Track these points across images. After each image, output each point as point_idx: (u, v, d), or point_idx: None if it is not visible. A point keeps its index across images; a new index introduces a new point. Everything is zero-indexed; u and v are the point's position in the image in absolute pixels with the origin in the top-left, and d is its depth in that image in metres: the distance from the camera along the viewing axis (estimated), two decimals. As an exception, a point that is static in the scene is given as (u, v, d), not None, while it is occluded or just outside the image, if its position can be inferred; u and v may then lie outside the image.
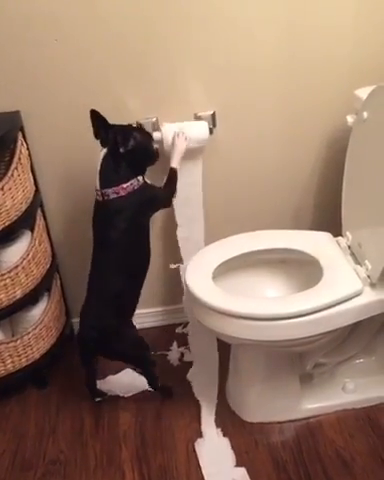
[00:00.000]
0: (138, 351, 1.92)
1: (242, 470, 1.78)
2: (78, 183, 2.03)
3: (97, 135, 1.77)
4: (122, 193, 1.74)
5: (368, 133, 1.74)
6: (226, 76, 1.92)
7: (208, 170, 2.06)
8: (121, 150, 1.72)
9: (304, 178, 2.16)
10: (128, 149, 1.72)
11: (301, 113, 2.02)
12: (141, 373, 2.00)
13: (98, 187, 1.75)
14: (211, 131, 1.97)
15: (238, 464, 1.79)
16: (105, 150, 1.75)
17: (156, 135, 1.92)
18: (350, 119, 1.87)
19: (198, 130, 1.94)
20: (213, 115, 1.97)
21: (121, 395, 2.04)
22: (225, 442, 1.87)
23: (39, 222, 2.00)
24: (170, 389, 2.03)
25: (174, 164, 1.88)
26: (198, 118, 1.96)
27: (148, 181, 1.82)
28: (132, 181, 1.75)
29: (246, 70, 1.92)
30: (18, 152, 1.83)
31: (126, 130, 1.75)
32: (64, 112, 1.91)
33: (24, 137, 1.89)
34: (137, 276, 1.86)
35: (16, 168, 1.81)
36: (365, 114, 1.72)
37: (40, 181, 2.00)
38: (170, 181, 1.87)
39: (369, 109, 1.71)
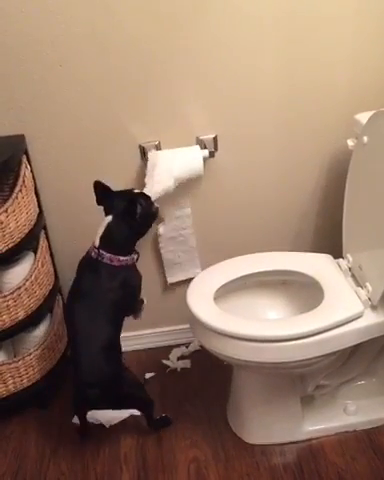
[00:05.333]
0: (138, 393, 1.90)
1: None
2: (81, 205, 2.05)
3: (99, 202, 1.78)
4: (115, 263, 1.74)
5: (368, 157, 1.75)
6: (228, 100, 1.94)
7: (209, 193, 2.09)
8: (137, 219, 1.73)
9: (305, 200, 2.17)
10: (137, 217, 1.74)
11: (302, 137, 2.04)
12: (144, 414, 1.97)
13: (96, 245, 1.75)
14: (212, 155, 1.99)
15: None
16: (110, 218, 1.74)
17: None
18: (350, 143, 1.88)
19: (191, 157, 1.94)
20: (215, 139, 1.98)
21: (106, 426, 2.03)
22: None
23: (42, 243, 2.01)
24: (168, 418, 2.02)
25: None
26: (200, 141, 1.98)
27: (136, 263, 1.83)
28: (128, 257, 1.76)
29: (248, 94, 1.94)
30: (22, 175, 1.84)
31: (131, 198, 1.74)
32: (67, 136, 1.93)
33: (28, 160, 1.91)
34: (121, 320, 1.83)
35: (20, 190, 1.83)
36: (365, 138, 1.74)
37: (44, 203, 2.02)
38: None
39: (369, 133, 1.73)
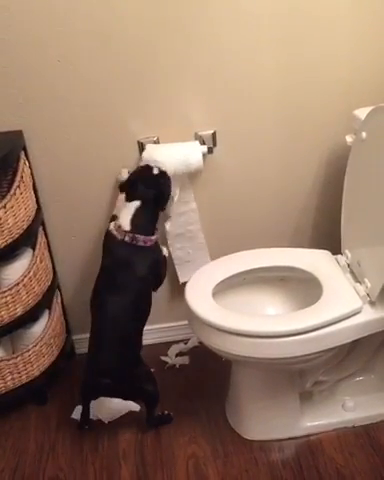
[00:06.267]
0: (149, 387, 1.90)
1: None
2: (79, 201, 2.05)
3: (122, 189, 1.87)
4: (148, 244, 1.83)
5: (367, 153, 1.75)
6: (227, 96, 1.94)
7: (208, 189, 2.08)
8: (166, 203, 1.89)
9: (304, 196, 2.17)
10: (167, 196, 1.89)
11: (301, 133, 2.04)
12: (147, 408, 1.97)
13: (127, 229, 1.81)
14: (211, 150, 1.99)
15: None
16: (138, 203, 1.82)
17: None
18: (349, 139, 1.88)
19: (191, 152, 1.94)
20: (213, 134, 1.98)
21: (104, 421, 2.03)
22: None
23: (41, 240, 2.01)
24: (170, 416, 2.02)
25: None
26: (199, 137, 1.98)
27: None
28: (156, 236, 1.87)
29: (247, 90, 1.94)
30: (20, 171, 1.84)
31: (161, 188, 1.86)
32: (65, 132, 1.93)
33: (26, 156, 1.90)
34: (144, 317, 1.88)
35: (18, 186, 1.82)
36: (364, 134, 1.74)
37: (42, 199, 2.02)
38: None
39: (368, 129, 1.73)
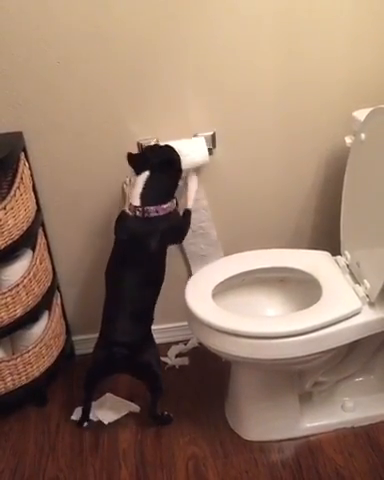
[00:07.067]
0: (158, 370, 1.91)
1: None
2: (79, 202, 2.05)
3: (135, 167, 1.86)
4: (161, 213, 1.81)
5: (366, 154, 1.76)
6: (226, 97, 1.94)
7: (208, 190, 2.08)
8: (177, 168, 1.86)
9: (303, 198, 2.17)
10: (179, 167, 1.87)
11: (300, 134, 2.04)
12: (152, 396, 1.97)
13: (138, 204, 1.81)
14: (211, 152, 1.99)
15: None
16: (146, 174, 1.82)
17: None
18: (348, 140, 1.88)
19: (196, 147, 1.94)
20: (213, 136, 1.98)
21: (104, 422, 2.03)
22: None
23: (40, 241, 2.01)
24: (169, 417, 2.03)
25: (189, 205, 1.97)
26: (198, 139, 1.98)
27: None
28: (170, 203, 1.84)
29: (246, 91, 1.94)
30: (20, 172, 1.84)
31: (168, 150, 1.87)
32: (65, 133, 1.93)
33: (26, 157, 1.91)
34: (158, 289, 1.89)
35: (18, 188, 1.82)
36: (363, 135, 1.74)
37: (42, 200, 2.02)
38: (186, 219, 1.96)
39: (367, 131, 1.73)
